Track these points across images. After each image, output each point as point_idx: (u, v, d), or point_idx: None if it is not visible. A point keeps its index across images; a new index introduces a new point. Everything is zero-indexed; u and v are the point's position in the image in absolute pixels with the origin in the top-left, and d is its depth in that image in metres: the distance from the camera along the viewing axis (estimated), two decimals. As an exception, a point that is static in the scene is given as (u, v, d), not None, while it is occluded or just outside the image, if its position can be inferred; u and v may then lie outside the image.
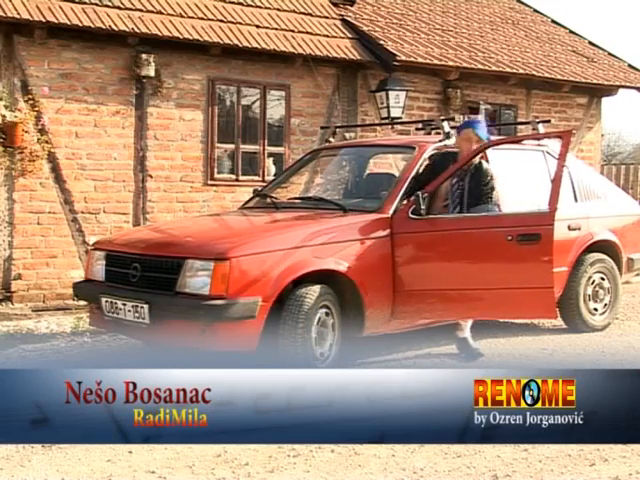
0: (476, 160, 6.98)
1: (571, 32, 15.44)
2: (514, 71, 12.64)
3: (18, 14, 9.03)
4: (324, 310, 6.42)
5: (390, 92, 11.52)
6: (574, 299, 8.17)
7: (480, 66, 12.24)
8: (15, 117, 9.11)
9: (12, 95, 9.27)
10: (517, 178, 8.04)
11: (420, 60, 11.63)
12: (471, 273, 7.12)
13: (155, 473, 4.45)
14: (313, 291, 6.34)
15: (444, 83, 12.36)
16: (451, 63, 11.94)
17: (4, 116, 9.08)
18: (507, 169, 7.90)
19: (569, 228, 8.14)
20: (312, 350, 6.28)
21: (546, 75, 12.99)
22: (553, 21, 15.72)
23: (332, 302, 6.48)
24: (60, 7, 9.37)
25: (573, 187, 8.40)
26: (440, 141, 7.65)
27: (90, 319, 7.32)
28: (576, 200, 8.40)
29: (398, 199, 7.04)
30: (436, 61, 11.75)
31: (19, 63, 9.34)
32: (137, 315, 6.37)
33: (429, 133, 8.57)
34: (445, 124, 7.69)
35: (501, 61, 12.67)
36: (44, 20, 9.16)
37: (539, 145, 8.37)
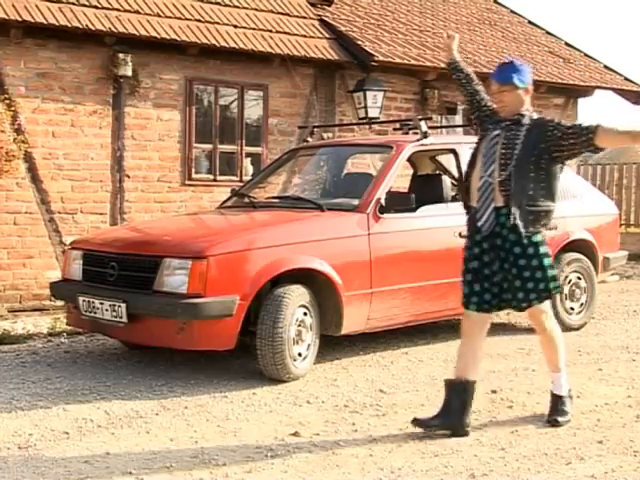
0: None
1: (548, 33, 15.51)
2: (491, 72, 12.62)
3: (-6, 13, 8.98)
4: (302, 310, 6.42)
5: (368, 92, 11.53)
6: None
7: (458, 66, 12.24)
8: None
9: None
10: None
11: (398, 60, 11.64)
12: (434, 270, 7.23)
13: (132, 474, 4.43)
14: (291, 290, 6.34)
15: (422, 83, 12.39)
16: (428, 64, 11.96)
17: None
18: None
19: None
20: (290, 350, 6.29)
21: (523, 76, 13.00)
22: (530, 22, 15.79)
23: (310, 301, 6.48)
24: (36, 6, 9.31)
25: (550, 187, 8.42)
26: (418, 140, 7.68)
27: (67, 319, 7.30)
28: (554, 200, 8.42)
29: (375, 198, 7.06)
30: (413, 61, 11.77)
31: (-5, 62, 9.30)
32: (114, 314, 6.35)
33: (407, 133, 8.59)
34: (423, 124, 7.72)
35: (478, 62, 12.70)
36: (20, 19, 9.10)
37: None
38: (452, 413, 5.07)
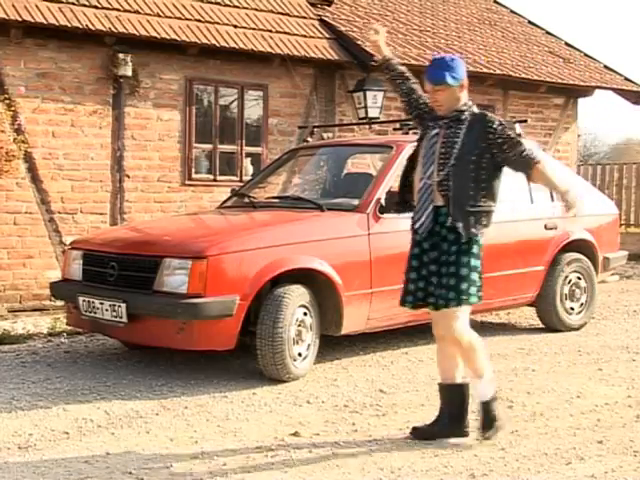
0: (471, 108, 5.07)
1: (548, 33, 15.51)
2: (491, 72, 12.69)
3: (-6, 13, 8.98)
4: (302, 310, 6.42)
5: (368, 92, 11.53)
6: (551, 298, 8.21)
7: (457, 66, 12.25)
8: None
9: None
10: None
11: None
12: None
13: (132, 474, 4.43)
14: (291, 290, 6.34)
15: (422, 83, 12.34)
16: (428, 64, 11.92)
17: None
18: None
19: (546, 227, 8.20)
20: (290, 350, 6.29)
21: (523, 76, 13.05)
22: (530, 22, 15.79)
23: (310, 301, 6.48)
24: (36, 6, 9.32)
25: (550, 187, 8.43)
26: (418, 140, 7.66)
27: (67, 319, 7.30)
28: (552, 200, 8.43)
29: (375, 198, 7.06)
30: (413, 62, 11.74)
31: (-5, 62, 9.30)
32: (114, 314, 6.35)
33: (407, 133, 8.58)
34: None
35: (478, 62, 12.71)
36: (20, 19, 9.10)
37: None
38: (450, 417, 5.04)
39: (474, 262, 4.84)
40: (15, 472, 4.46)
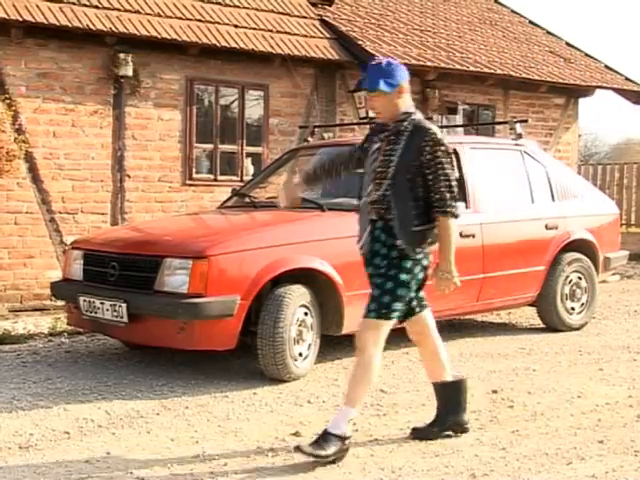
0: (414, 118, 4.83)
1: (549, 33, 15.52)
2: (492, 71, 12.69)
3: (-5, 13, 8.99)
4: (303, 309, 6.42)
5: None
6: (551, 298, 8.21)
7: (458, 66, 12.29)
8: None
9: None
10: (495, 177, 8.10)
11: (398, 60, 11.62)
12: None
13: (133, 474, 4.43)
14: (292, 290, 6.34)
15: (422, 83, 12.38)
16: (429, 63, 11.96)
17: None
18: (485, 168, 7.97)
19: (546, 227, 8.20)
20: (291, 349, 6.29)
21: (524, 75, 13.05)
22: (531, 22, 15.80)
23: (311, 301, 6.48)
24: (37, 6, 9.32)
25: (550, 187, 8.45)
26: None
27: (68, 319, 7.30)
28: (553, 199, 8.44)
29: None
30: (414, 61, 11.76)
31: (-4, 62, 9.30)
32: (115, 314, 6.35)
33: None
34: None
35: (479, 61, 12.72)
36: (21, 19, 9.11)
37: (517, 145, 8.43)
38: (447, 415, 5.03)
39: (403, 277, 4.66)
40: (16, 472, 4.46)
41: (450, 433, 5.02)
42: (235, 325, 6.16)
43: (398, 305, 4.67)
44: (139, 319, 6.31)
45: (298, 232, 6.74)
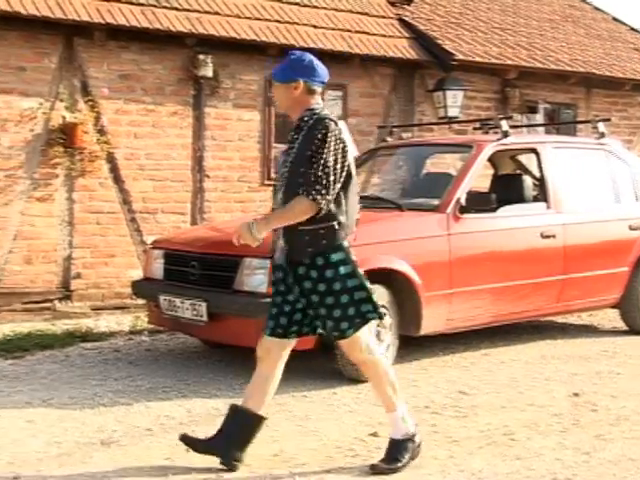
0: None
1: (632, 29, 15.20)
2: (574, 70, 12.49)
3: (78, 16, 9.12)
4: (382, 310, 6.37)
5: (447, 92, 11.46)
6: (635, 300, 8.04)
7: (539, 65, 12.13)
8: (75, 118, 9.21)
9: (72, 96, 9.37)
10: (578, 177, 7.98)
11: (478, 59, 11.55)
12: (515, 270, 7.16)
13: (213, 472, 4.46)
14: (370, 290, 6.31)
15: (502, 82, 12.25)
16: (509, 62, 11.83)
17: (64, 117, 9.18)
18: (567, 168, 7.86)
19: (630, 228, 8.04)
20: (369, 350, 6.25)
21: (606, 73, 12.82)
22: (614, 18, 15.50)
23: (389, 301, 6.45)
24: (119, 9, 9.45)
25: (634, 186, 8.29)
26: (498, 140, 7.60)
27: (148, 317, 7.38)
28: (637, 199, 8.28)
29: (455, 198, 7.00)
30: (494, 60, 11.65)
31: (79, 65, 9.43)
32: (195, 313, 6.40)
33: (487, 132, 8.52)
34: (503, 123, 7.63)
35: (561, 60, 12.53)
36: (103, 22, 9.25)
37: (600, 144, 8.29)
38: (224, 439, 4.56)
39: (350, 282, 4.38)
40: (100, 467, 4.52)
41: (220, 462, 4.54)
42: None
43: (366, 306, 4.42)
44: (219, 318, 6.35)
45: (377, 232, 6.71)
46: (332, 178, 4.29)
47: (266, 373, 4.59)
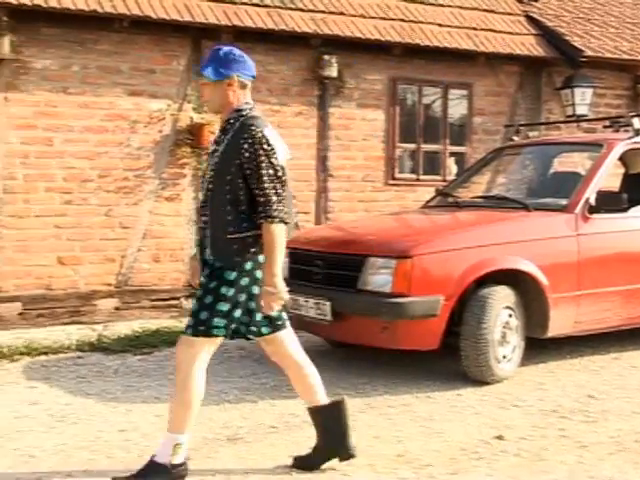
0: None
1: None
2: None
3: (206, 19, 9.29)
4: (507, 311, 6.30)
5: (576, 89, 11.21)
6: None
7: (674, 60, 11.75)
8: (202, 119, 9.37)
9: (200, 97, 9.54)
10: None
11: (608, 55, 11.26)
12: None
13: (336, 470, 4.47)
14: (496, 291, 6.23)
15: (634, 78, 11.91)
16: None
17: (192, 118, 9.37)
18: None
19: None
20: (495, 351, 6.18)
21: None
22: None
23: (515, 302, 6.35)
24: (245, 11, 9.58)
25: None
26: (630, 138, 7.39)
27: (273, 316, 7.42)
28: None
29: (584, 198, 6.85)
30: (625, 56, 11.34)
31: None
32: (319, 312, 6.43)
33: (617, 130, 8.28)
34: (635, 121, 7.43)
35: (695, 55, 12.10)
36: (230, 24, 9.38)
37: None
38: (327, 443, 4.53)
39: (223, 290, 4.19)
40: (226, 463, 4.58)
41: (335, 460, 4.54)
42: (439, 326, 6.11)
43: (219, 321, 4.19)
44: (343, 317, 6.36)
45: (503, 232, 6.62)
46: (279, 188, 4.22)
47: (291, 371, 4.59)
